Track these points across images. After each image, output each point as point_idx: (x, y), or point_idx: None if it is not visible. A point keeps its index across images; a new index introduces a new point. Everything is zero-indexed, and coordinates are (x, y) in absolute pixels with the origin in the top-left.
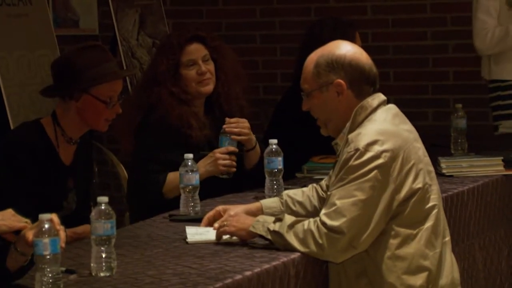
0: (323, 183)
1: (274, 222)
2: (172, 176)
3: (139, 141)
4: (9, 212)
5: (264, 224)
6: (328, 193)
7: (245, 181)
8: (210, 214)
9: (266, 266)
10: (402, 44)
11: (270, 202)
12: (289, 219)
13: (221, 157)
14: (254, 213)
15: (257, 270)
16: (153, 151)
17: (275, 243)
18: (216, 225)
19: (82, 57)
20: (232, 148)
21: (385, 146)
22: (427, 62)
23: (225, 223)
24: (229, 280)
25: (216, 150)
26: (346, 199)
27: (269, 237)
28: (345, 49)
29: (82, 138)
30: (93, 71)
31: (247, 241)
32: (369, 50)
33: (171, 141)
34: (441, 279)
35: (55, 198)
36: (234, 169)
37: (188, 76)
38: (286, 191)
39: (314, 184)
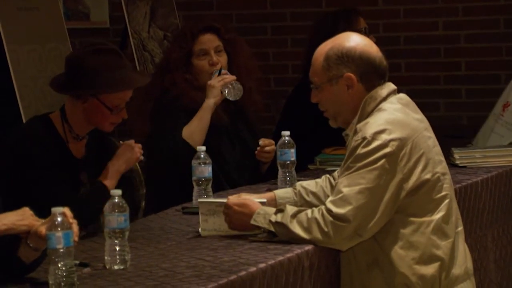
0: (336, 174)
1: (275, 213)
2: (185, 128)
3: (155, 121)
4: (27, 211)
5: (266, 216)
6: (335, 181)
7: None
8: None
9: (280, 258)
10: (414, 35)
11: (283, 193)
12: (291, 209)
13: (213, 81)
14: (267, 203)
15: (271, 262)
16: (170, 125)
17: (278, 234)
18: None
19: (96, 60)
20: (216, 76)
21: (392, 135)
22: (439, 53)
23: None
24: (243, 273)
25: (209, 81)
26: (352, 187)
27: (271, 229)
28: (355, 41)
29: (93, 131)
30: (104, 77)
31: (248, 237)
32: (380, 40)
33: (186, 118)
34: (454, 268)
35: None
36: (232, 78)
37: (199, 66)
38: (300, 182)
39: (328, 175)
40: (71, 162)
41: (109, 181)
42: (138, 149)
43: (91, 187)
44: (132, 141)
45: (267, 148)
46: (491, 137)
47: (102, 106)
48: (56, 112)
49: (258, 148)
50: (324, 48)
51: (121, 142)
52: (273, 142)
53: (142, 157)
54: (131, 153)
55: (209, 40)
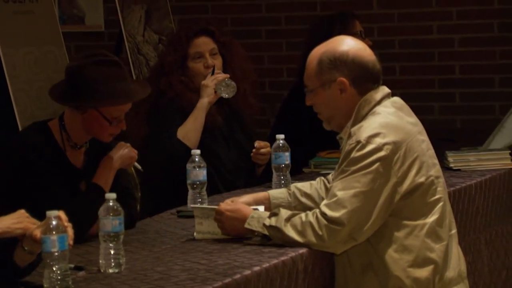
0: (330, 177)
1: (269, 217)
2: (180, 128)
3: (151, 124)
4: (23, 213)
5: (259, 220)
6: (330, 185)
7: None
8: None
9: (275, 261)
10: (408, 38)
11: (277, 193)
12: (285, 213)
13: (206, 81)
14: (261, 202)
15: (265, 265)
16: (166, 128)
17: (273, 237)
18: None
19: (97, 72)
20: (210, 76)
21: (387, 139)
22: (433, 56)
23: (221, 216)
24: (238, 276)
25: (203, 81)
26: (347, 191)
27: (265, 232)
28: (348, 45)
29: (94, 140)
30: (105, 90)
31: (243, 240)
32: (375, 44)
33: (182, 120)
34: (448, 271)
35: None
36: (225, 76)
37: (195, 69)
38: (294, 183)
39: (322, 177)
40: (70, 171)
41: (104, 182)
42: (133, 150)
43: (87, 190)
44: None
45: (262, 150)
46: (491, 145)
47: (101, 117)
48: (55, 120)
49: (254, 150)
50: (317, 52)
51: None
52: (268, 144)
53: (139, 166)
54: (125, 150)
55: (204, 43)
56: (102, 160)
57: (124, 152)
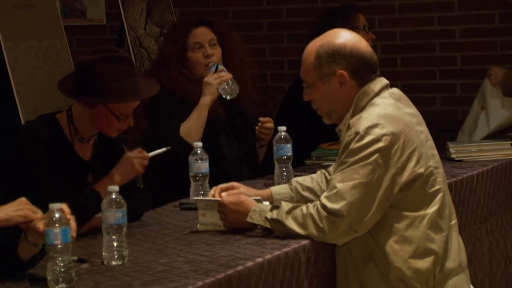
0: (331, 169)
1: (271, 210)
2: (183, 125)
3: (152, 119)
4: (23, 201)
5: (261, 213)
6: (330, 177)
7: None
8: (223, 186)
9: (277, 252)
10: (409, 30)
11: (279, 189)
12: (286, 205)
13: (209, 79)
14: (264, 200)
15: (268, 257)
16: (167, 119)
17: (274, 230)
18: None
19: (107, 68)
20: (212, 72)
21: (385, 130)
22: (434, 47)
23: (222, 210)
24: (240, 267)
25: (205, 78)
26: (346, 182)
27: (267, 225)
28: (345, 37)
29: (102, 134)
30: (114, 87)
31: (245, 231)
32: (376, 36)
33: (182, 112)
34: (448, 262)
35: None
36: (228, 77)
37: (194, 59)
38: (295, 178)
39: (323, 170)
40: (78, 164)
41: (104, 190)
42: (138, 162)
43: (84, 193)
44: (135, 152)
45: (267, 125)
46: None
47: (110, 113)
48: (63, 113)
49: (259, 124)
50: (313, 46)
51: (125, 147)
52: (271, 120)
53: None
54: (129, 167)
55: (203, 33)
56: (105, 175)
57: (128, 170)
